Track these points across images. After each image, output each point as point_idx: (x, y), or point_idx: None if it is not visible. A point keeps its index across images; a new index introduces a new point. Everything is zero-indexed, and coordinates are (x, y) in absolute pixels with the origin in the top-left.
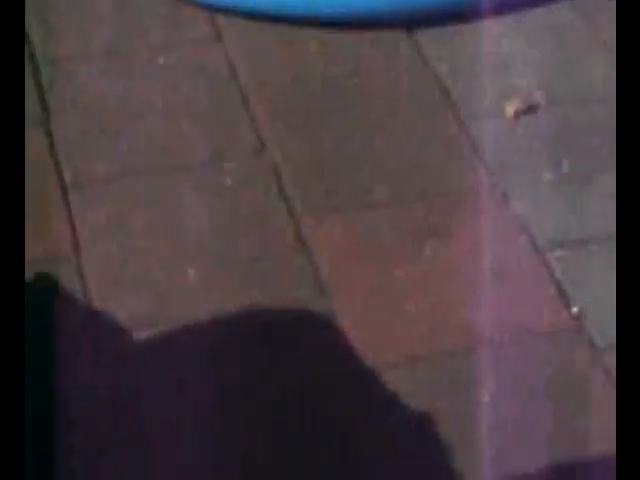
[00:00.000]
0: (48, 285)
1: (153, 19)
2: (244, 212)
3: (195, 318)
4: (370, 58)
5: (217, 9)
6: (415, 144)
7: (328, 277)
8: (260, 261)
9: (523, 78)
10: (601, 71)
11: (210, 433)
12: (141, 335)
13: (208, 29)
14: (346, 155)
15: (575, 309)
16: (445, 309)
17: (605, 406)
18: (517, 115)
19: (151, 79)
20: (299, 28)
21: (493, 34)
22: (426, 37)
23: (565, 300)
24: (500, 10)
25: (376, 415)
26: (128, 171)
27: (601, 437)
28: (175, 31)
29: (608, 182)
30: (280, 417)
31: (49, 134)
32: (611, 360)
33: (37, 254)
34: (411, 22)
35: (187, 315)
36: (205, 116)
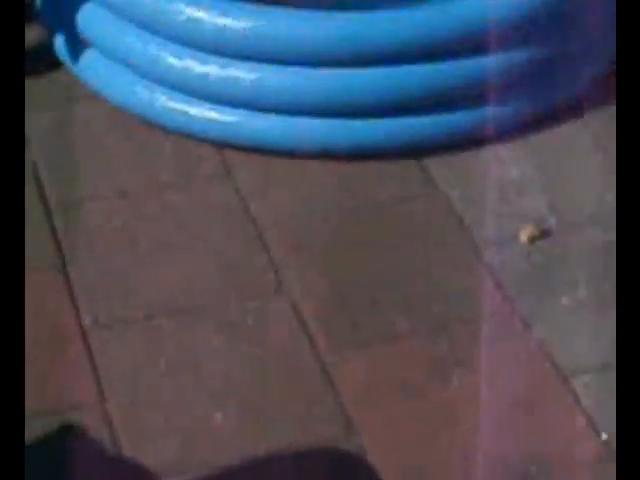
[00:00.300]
0: (73, 435)
1: (162, 157)
2: (267, 352)
3: (224, 463)
4: (382, 188)
5: (225, 144)
6: (432, 272)
7: (356, 414)
8: (286, 401)
9: (534, 202)
10: (612, 190)
11: None
12: None
13: (217, 165)
14: (365, 287)
15: (605, 435)
16: (475, 440)
17: None
18: (531, 240)
19: (164, 218)
20: (309, 160)
21: (501, 158)
22: (435, 163)
23: (593, 427)
24: (506, 133)
25: None
26: (148, 313)
27: None
28: (184, 168)
29: None
30: None
31: (66, 278)
32: None
33: (61, 403)
34: (420, 150)
35: (215, 460)
36: (221, 254)
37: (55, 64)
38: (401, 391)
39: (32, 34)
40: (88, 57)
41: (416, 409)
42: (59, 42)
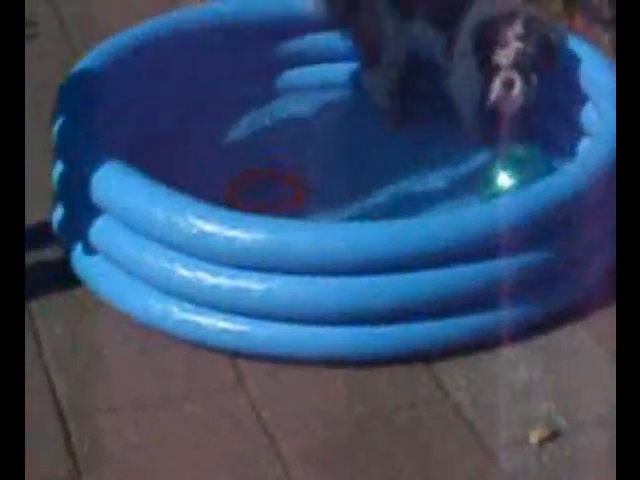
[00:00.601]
0: None
1: (175, 367)
2: None
3: None
4: (392, 394)
5: (238, 352)
6: (444, 478)
7: None
8: None
9: (544, 404)
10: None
11: None
12: None
13: (230, 374)
14: None
15: None
16: None
17: None
18: (542, 442)
19: (178, 429)
20: (320, 367)
21: (510, 360)
22: (445, 367)
23: None
24: (514, 336)
25: None
26: None
27: None
28: (197, 378)
29: None
30: None
31: None
32: None
33: None
34: (429, 354)
35: None
36: (235, 462)
37: (71, 277)
38: None
39: (48, 250)
40: (102, 269)
41: None
42: (75, 256)
